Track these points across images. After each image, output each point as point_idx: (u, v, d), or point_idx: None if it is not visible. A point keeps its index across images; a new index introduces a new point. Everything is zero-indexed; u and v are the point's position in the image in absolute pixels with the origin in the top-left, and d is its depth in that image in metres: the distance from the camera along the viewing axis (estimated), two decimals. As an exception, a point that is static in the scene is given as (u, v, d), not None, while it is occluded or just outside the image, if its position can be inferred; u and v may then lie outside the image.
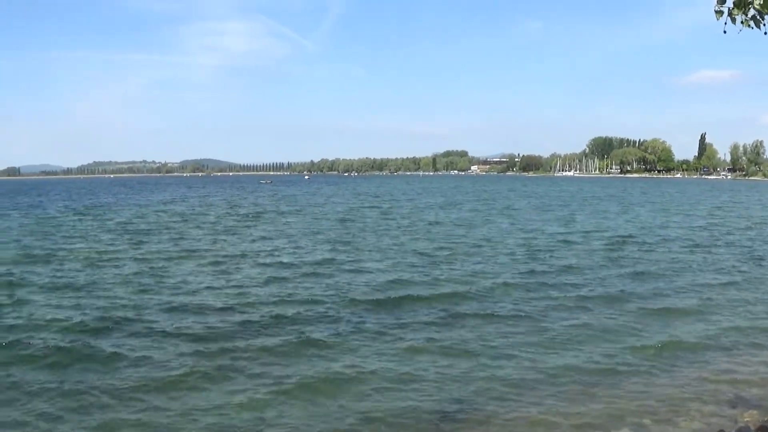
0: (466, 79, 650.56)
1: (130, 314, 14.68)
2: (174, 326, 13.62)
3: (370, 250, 25.81)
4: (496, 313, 14.79)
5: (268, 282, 18.75)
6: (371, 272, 20.44)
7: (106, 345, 12.27)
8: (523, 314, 14.74)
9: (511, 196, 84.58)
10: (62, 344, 12.34)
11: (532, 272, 20.25)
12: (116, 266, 21.88)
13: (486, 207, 57.93)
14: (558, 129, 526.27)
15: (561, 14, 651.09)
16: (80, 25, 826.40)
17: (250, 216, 46.89)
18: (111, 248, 26.83)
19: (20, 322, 14.04)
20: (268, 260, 23.27)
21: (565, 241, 28.95)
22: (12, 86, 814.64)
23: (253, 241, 29.97)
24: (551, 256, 23.98)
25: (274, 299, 16.26)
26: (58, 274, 20.33)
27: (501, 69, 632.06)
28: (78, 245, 27.93)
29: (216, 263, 22.70)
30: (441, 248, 26.43)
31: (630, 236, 31.30)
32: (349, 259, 23.34)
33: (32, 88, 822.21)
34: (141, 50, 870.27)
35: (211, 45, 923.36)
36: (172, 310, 15.21)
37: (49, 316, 14.46)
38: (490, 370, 10.93)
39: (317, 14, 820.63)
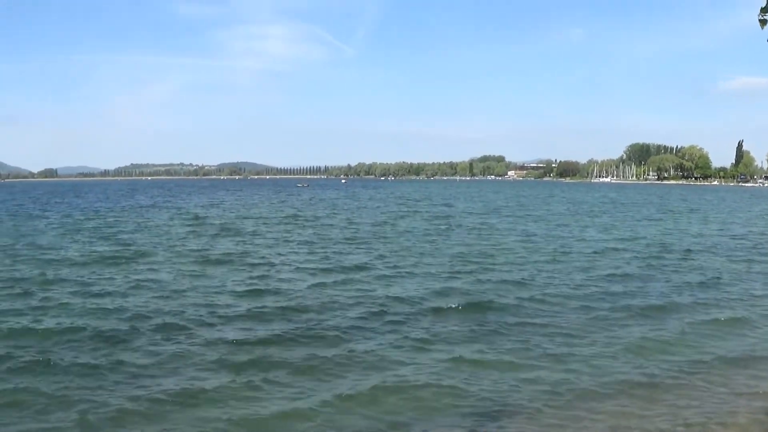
0: (504, 84, 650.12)
1: (167, 319, 14.66)
2: (211, 333, 13.59)
3: (410, 256, 25.66)
4: (538, 323, 14.58)
5: (307, 288, 18.64)
6: (412, 279, 20.29)
7: (142, 351, 12.27)
8: (564, 324, 14.50)
9: (550, 201, 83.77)
10: (95, 350, 12.31)
11: (574, 281, 19.95)
12: (152, 270, 22.00)
13: (526, 213, 57.36)
14: (595, 135, 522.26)
15: (600, 21, 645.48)
16: (126, 29, 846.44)
17: (289, 219, 47.11)
18: (147, 251, 27.05)
19: (53, 326, 14.01)
20: (306, 265, 23.23)
21: (607, 249, 28.53)
22: (51, 88, 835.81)
23: (292, 245, 29.99)
24: (593, 264, 23.61)
25: (313, 307, 16.14)
26: (93, 277, 20.47)
27: (538, 74, 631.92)
28: (114, 248, 28.24)
29: (254, 266, 22.83)
30: (482, 254, 26.22)
31: (671, 244, 30.81)
32: (389, 265, 23.20)
33: (71, 90, 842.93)
34: (185, 54, 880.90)
35: (254, 49, 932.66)
36: (209, 315, 15.16)
37: (83, 321, 14.44)
38: (531, 382, 10.77)
39: (354, 19, 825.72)
